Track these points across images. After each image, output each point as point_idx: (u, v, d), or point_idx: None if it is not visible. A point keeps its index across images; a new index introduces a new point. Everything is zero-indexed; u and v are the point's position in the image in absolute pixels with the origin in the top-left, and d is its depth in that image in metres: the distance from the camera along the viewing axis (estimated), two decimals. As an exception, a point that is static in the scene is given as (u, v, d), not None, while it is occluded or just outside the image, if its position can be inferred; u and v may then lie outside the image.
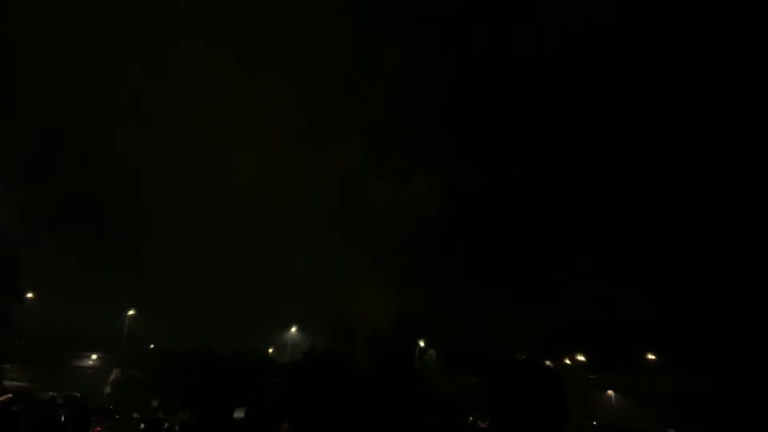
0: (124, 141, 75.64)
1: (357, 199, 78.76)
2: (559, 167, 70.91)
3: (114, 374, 47.03)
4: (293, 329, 56.77)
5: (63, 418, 12.82)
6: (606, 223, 60.77)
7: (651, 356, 44.13)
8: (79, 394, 33.06)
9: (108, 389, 44.08)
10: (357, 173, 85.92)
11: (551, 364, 1.85)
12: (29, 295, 44.89)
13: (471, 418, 30.59)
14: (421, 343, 52.67)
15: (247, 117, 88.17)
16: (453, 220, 76.32)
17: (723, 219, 46.42)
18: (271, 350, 54.24)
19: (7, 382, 35.17)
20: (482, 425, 28.10)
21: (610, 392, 45.40)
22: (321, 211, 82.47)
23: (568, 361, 48.36)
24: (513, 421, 1.71)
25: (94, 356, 49.42)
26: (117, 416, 26.42)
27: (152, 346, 51.89)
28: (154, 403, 33.44)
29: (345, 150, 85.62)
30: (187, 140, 73.77)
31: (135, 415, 28.12)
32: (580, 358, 48.22)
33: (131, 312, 50.97)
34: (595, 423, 38.48)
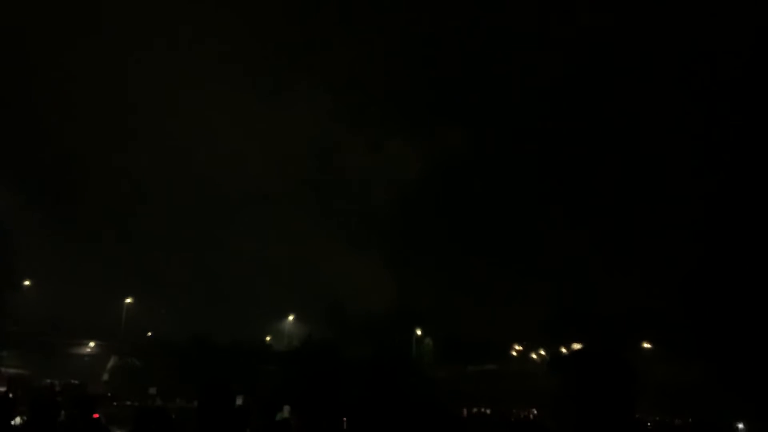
0: (107, 124, 74.64)
1: (334, 167, 73.62)
2: (556, 147, 69.78)
3: (112, 362, 47.18)
4: (290, 317, 56.99)
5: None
6: (603, 211, 60.72)
7: (646, 345, 44.41)
8: (77, 382, 33.23)
9: (106, 376, 44.26)
10: (331, 138, 75.76)
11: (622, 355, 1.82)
12: (26, 282, 44.89)
13: (482, 409, 30.87)
14: (418, 332, 52.92)
15: (218, 84, 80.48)
16: (439, 191, 73.68)
17: (721, 207, 46.52)
18: (268, 338, 54.45)
19: (5, 369, 35.41)
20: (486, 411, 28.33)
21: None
22: (296, 183, 76.99)
23: (564, 350, 48.64)
24: (585, 412, 1.69)
25: (91, 344, 49.51)
26: (115, 403, 26.51)
27: (150, 334, 52.03)
28: (152, 391, 33.58)
29: (317, 112, 77.66)
30: (161, 121, 71.36)
31: (128, 402, 28.10)
32: (576, 346, 48.51)
33: (129, 300, 51.03)
34: None
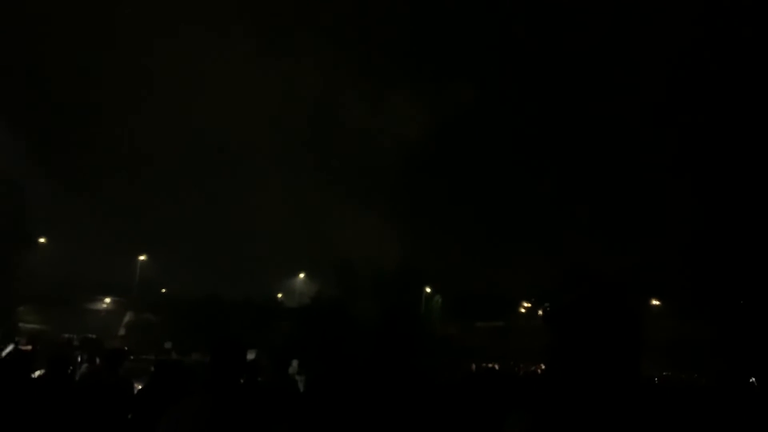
0: (114, 85, 73.75)
1: (338, 123, 70.64)
2: (565, 104, 68.39)
3: (127, 317, 48.20)
4: (301, 275, 57.68)
5: (80, 359, 13.25)
6: (606, 168, 60.12)
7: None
8: (94, 336, 34.00)
9: (122, 331, 45.27)
10: (332, 93, 71.33)
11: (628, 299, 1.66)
12: (41, 240, 45.56)
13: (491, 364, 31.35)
14: (428, 289, 53.42)
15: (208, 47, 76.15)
16: (446, 148, 72.32)
17: (725, 165, 45.98)
18: (280, 295, 55.26)
19: (23, 325, 36.28)
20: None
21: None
22: (297, 141, 74.35)
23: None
24: (581, 361, 1.59)
25: (107, 300, 50.58)
26: (131, 357, 27.08)
27: (164, 290, 52.95)
28: (168, 345, 34.27)
29: (320, 66, 72.62)
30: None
31: (144, 356, 28.65)
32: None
33: (142, 257, 51.77)
34: None
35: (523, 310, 58.74)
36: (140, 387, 7.18)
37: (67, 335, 34.23)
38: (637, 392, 1.57)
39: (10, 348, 12.29)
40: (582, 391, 1.53)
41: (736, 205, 43.47)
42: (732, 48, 49.87)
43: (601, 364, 1.56)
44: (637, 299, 41.47)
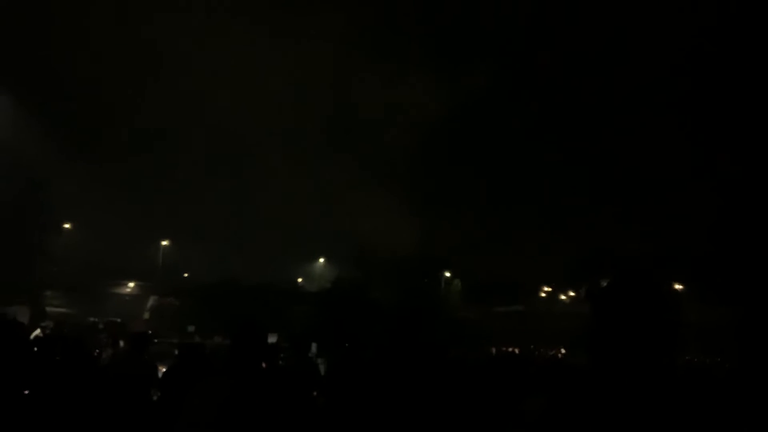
0: (137, 66, 73.72)
1: (355, 105, 68.29)
2: (586, 87, 67.04)
3: (151, 301, 49.03)
4: (321, 260, 58.01)
5: (106, 341, 13.53)
6: (626, 153, 59.08)
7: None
8: (119, 320, 34.70)
9: (146, 315, 46.09)
10: (349, 77, 68.70)
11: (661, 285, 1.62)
12: (67, 226, 46.36)
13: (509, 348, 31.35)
14: (447, 274, 53.42)
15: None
16: (463, 133, 71.24)
17: (751, 150, 45.01)
18: (300, 280, 55.69)
19: (50, 309, 37.12)
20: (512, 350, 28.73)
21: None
22: (315, 126, 72.03)
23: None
24: (619, 346, 1.56)
25: (131, 284, 51.45)
26: (156, 340, 27.54)
27: (186, 275, 53.64)
28: (190, 328, 34.81)
29: (336, 47, 70.09)
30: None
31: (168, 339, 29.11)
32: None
33: (165, 242, 52.42)
34: None
35: (543, 295, 58.50)
36: (164, 369, 7.32)
37: (92, 319, 34.98)
38: (675, 377, 1.54)
39: (37, 332, 12.58)
40: (625, 375, 1.50)
41: (760, 190, 42.64)
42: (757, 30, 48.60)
43: (647, 346, 1.53)
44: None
